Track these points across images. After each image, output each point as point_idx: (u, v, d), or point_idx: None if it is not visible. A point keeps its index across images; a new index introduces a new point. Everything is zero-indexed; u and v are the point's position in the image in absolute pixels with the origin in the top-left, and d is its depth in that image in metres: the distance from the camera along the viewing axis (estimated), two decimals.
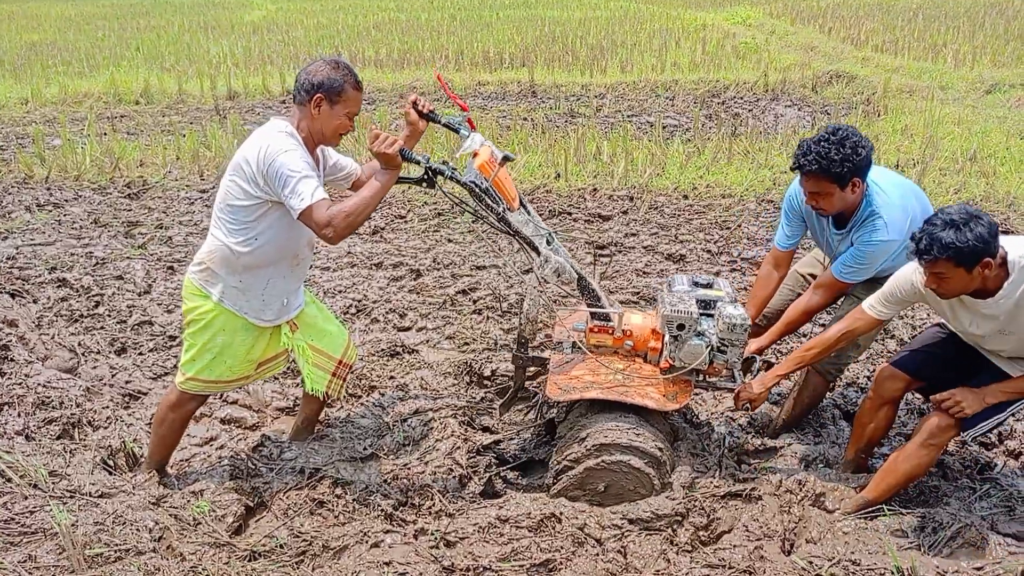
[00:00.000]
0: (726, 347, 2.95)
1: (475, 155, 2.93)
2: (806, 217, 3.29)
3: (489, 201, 2.93)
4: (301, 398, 3.44)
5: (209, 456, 3.34)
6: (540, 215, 6.40)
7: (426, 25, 19.34)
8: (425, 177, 2.94)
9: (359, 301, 4.81)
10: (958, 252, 2.41)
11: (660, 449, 2.92)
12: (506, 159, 2.97)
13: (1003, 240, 2.53)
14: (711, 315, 3.00)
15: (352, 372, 3.37)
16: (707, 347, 2.92)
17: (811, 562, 2.63)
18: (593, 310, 3.09)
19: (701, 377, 3.08)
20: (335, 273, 5.27)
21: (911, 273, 2.73)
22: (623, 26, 18.33)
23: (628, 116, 10.10)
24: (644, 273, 5.21)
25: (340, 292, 4.94)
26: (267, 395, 3.77)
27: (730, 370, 3.07)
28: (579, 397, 2.92)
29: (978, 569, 2.60)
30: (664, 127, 9.19)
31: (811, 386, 3.48)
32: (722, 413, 3.74)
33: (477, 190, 2.92)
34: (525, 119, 9.86)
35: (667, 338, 2.96)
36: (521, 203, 3.02)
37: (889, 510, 2.98)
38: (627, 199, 6.78)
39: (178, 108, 11.05)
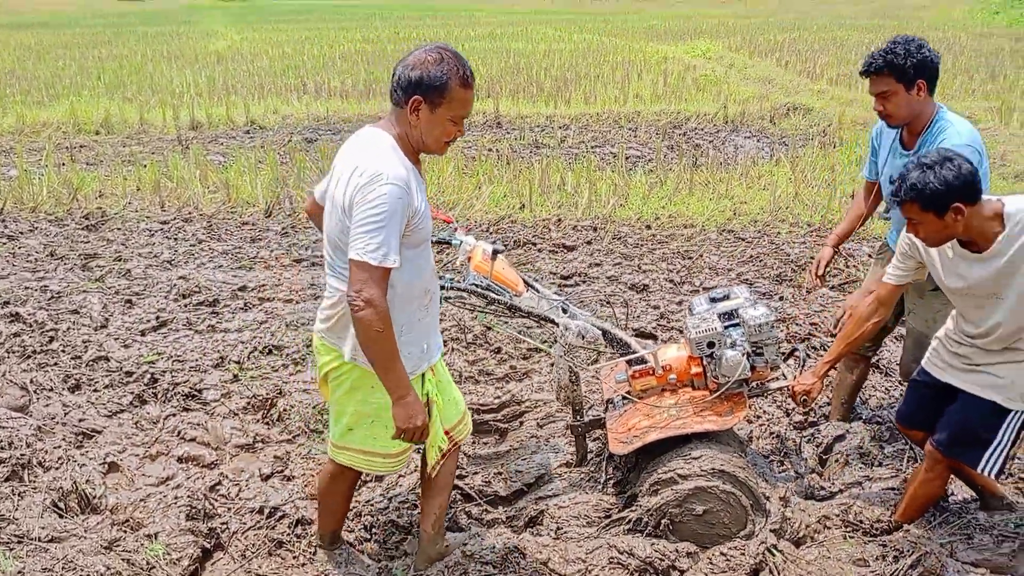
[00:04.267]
0: (761, 349, 2.99)
1: (469, 258, 3.10)
2: (879, 149, 3.38)
3: (494, 295, 3.06)
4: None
5: (165, 496, 3.25)
6: (505, 246, 6.42)
7: (392, 56, 19.45)
8: None
9: None
10: (919, 194, 2.38)
11: (767, 497, 2.95)
12: (496, 252, 3.08)
13: (1005, 197, 2.51)
14: (737, 324, 3.04)
15: (455, 448, 2.80)
16: (743, 355, 2.95)
17: None
18: (629, 357, 3.13)
19: (751, 386, 3.10)
20: (298, 306, 5.22)
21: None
22: (587, 58, 18.63)
23: (592, 147, 10.22)
24: (608, 303, 5.24)
25: (303, 325, 4.89)
26: (226, 432, 3.70)
27: (776, 368, 3.10)
28: (641, 444, 2.91)
29: None
30: (627, 158, 9.32)
31: (854, 372, 3.66)
32: None
33: (479, 290, 3.05)
34: (490, 150, 9.93)
35: (704, 360, 3.00)
36: (528, 284, 3.19)
37: (850, 537, 3.00)
38: (591, 229, 6.84)
39: (139, 138, 10.94)
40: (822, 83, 14.61)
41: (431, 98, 2.24)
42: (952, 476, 3.27)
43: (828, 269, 3.65)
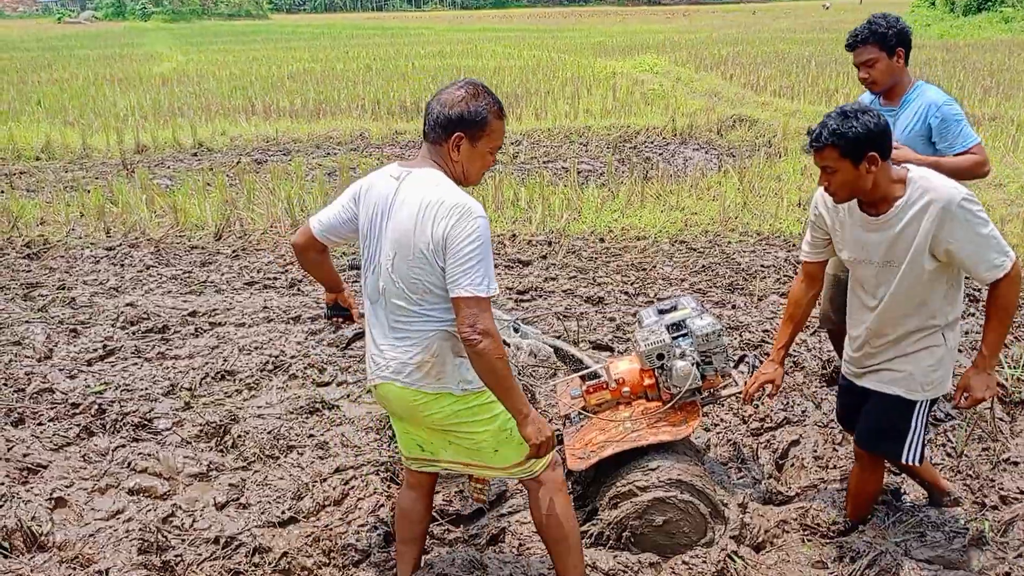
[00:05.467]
0: (710, 357, 3.04)
1: None
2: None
3: None
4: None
5: (115, 530, 3.15)
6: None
7: (342, 75, 19.38)
8: None
9: (276, 357, 4.68)
10: (842, 137, 2.43)
11: (725, 504, 2.98)
12: None
13: (912, 166, 2.59)
14: (685, 334, 3.08)
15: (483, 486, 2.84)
16: (693, 364, 2.98)
17: None
18: (582, 372, 3.14)
19: (703, 394, 3.13)
20: (251, 329, 5.12)
21: (817, 195, 2.79)
22: (536, 75, 18.80)
23: (544, 162, 10.30)
24: (564, 317, 5.26)
25: (256, 349, 4.80)
26: (178, 461, 3.60)
27: (726, 375, 3.15)
28: (598, 459, 2.92)
29: None
30: (579, 172, 9.41)
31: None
32: None
33: None
34: None
35: (656, 372, 3.04)
36: None
37: (808, 541, 3.05)
38: (545, 244, 6.88)
39: (82, 163, 10.67)
40: (766, 95, 14.95)
41: (472, 133, 2.31)
42: (904, 476, 3.36)
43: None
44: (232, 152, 11.33)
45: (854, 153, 2.45)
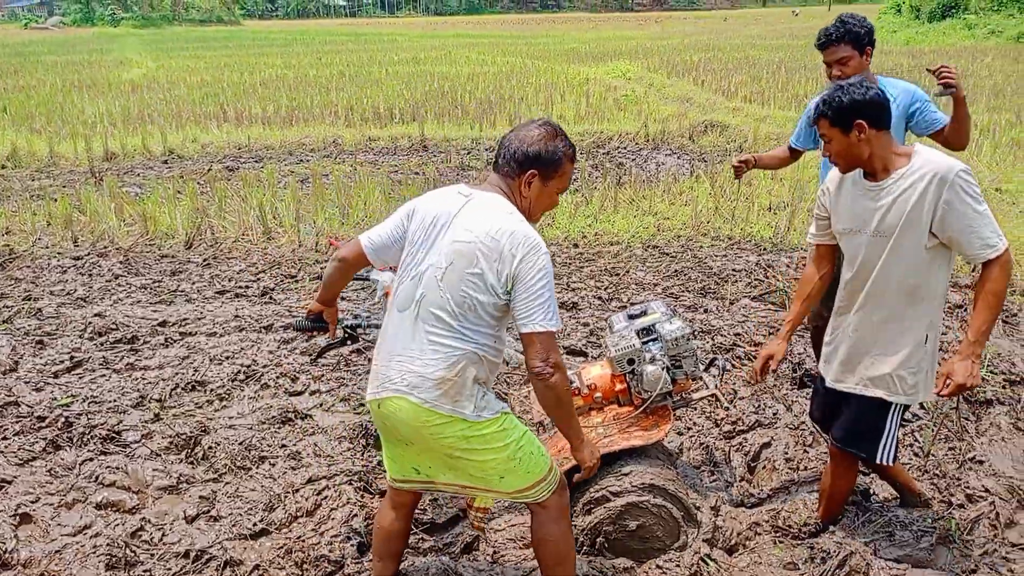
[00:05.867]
0: (680, 361, 3.06)
1: (387, 293, 3.10)
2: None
3: None
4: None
5: (83, 546, 3.09)
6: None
7: (314, 82, 19.28)
8: (347, 336, 3.08)
9: (248, 367, 4.63)
10: (829, 107, 2.60)
11: (698, 508, 2.99)
12: None
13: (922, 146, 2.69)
14: (655, 339, 3.10)
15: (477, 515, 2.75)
16: (663, 369, 3.00)
17: None
18: None
19: (675, 398, 3.14)
20: (222, 339, 5.07)
21: (828, 176, 2.92)
22: (510, 81, 18.85)
23: None
24: None
25: (228, 358, 4.75)
26: (147, 474, 3.55)
27: (696, 379, 3.17)
28: (571, 466, 2.89)
29: None
30: None
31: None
32: None
33: None
34: (416, 173, 9.91)
35: (627, 376, 3.05)
36: None
37: (780, 542, 3.08)
38: None
39: (49, 171, 10.50)
40: (736, 100, 15.12)
41: (546, 172, 2.36)
42: (873, 477, 3.40)
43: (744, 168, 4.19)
44: (203, 159, 11.22)
45: (842, 122, 2.60)
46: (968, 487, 3.37)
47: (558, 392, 2.31)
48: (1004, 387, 4.26)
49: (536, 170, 2.35)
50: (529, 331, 2.25)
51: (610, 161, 10.63)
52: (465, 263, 2.28)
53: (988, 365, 4.41)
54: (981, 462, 3.58)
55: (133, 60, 27.27)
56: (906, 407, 2.87)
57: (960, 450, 3.67)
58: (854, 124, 2.59)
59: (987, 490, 3.34)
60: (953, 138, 3.66)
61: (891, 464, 2.92)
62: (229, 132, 13.10)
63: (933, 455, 3.64)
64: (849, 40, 3.55)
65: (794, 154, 4.17)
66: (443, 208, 2.39)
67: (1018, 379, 4.31)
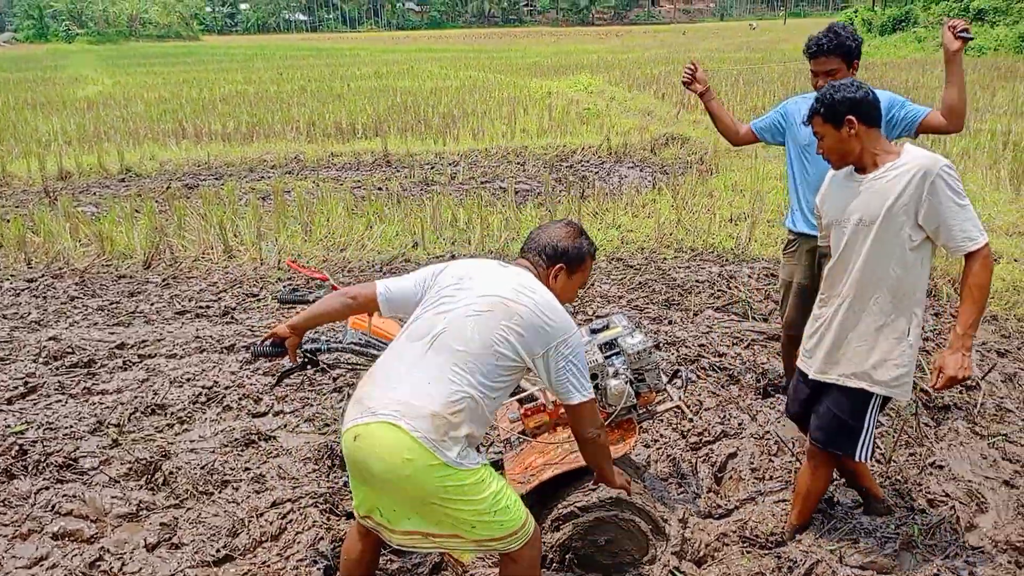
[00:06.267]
0: (643, 374, 3.07)
1: (352, 325, 3.14)
2: (792, 126, 3.93)
3: (375, 351, 3.07)
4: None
5: None
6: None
7: (275, 97, 19.14)
8: (306, 360, 3.05)
9: (209, 389, 4.55)
10: (822, 104, 2.74)
11: (666, 520, 2.99)
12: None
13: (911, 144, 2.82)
14: (617, 353, 3.11)
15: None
16: (627, 383, 3.01)
17: None
18: (520, 396, 3.13)
19: (639, 411, 3.15)
20: (182, 360, 4.97)
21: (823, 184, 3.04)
22: (473, 95, 18.90)
23: (482, 182, 10.33)
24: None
25: (189, 380, 4.66)
26: (106, 502, 3.46)
27: (660, 391, 3.18)
28: (538, 483, 2.90)
29: None
30: (517, 192, 9.46)
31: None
32: None
33: (359, 347, 3.07)
34: (380, 189, 9.87)
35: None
36: None
37: (747, 552, 3.10)
38: None
39: (1, 191, 10.25)
40: (696, 113, 15.33)
41: (571, 267, 2.56)
42: (838, 485, 3.44)
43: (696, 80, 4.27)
44: (161, 177, 11.05)
45: (834, 118, 2.73)
46: (929, 492, 3.43)
47: (603, 446, 2.58)
48: (961, 392, 4.35)
49: (564, 264, 2.54)
50: (576, 402, 2.42)
51: (574, 175, 10.70)
52: (504, 315, 2.35)
53: None
54: (941, 467, 3.65)
55: (88, 77, 26.82)
56: (884, 403, 2.91)
57: (920, 455, 3.74)
58: (845, 120, 2.71)
59: (947, 494, 3.41)
60: (948, 113, 3.58)
61: (867, 462, 2.94)
62: (188, 149, 12.93)
63: (895, 461, 3.70)
64: (840, 53, 3.57)
65: (747, 136, 4.21)
66: (482, 266, 2.53)
67: (974, 384, 4.41)
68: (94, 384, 4.64)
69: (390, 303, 2.57)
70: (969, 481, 3.52)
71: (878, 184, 2.74)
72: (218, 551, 3.10)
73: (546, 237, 2.57)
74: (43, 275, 6.77)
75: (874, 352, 2.81)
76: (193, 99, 19.01)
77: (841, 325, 2.87)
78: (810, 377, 3.01)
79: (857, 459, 2.91)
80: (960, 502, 3.35)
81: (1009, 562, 2.96)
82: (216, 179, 10.86)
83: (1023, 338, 5.10)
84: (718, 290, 6.13)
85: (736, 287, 6.14)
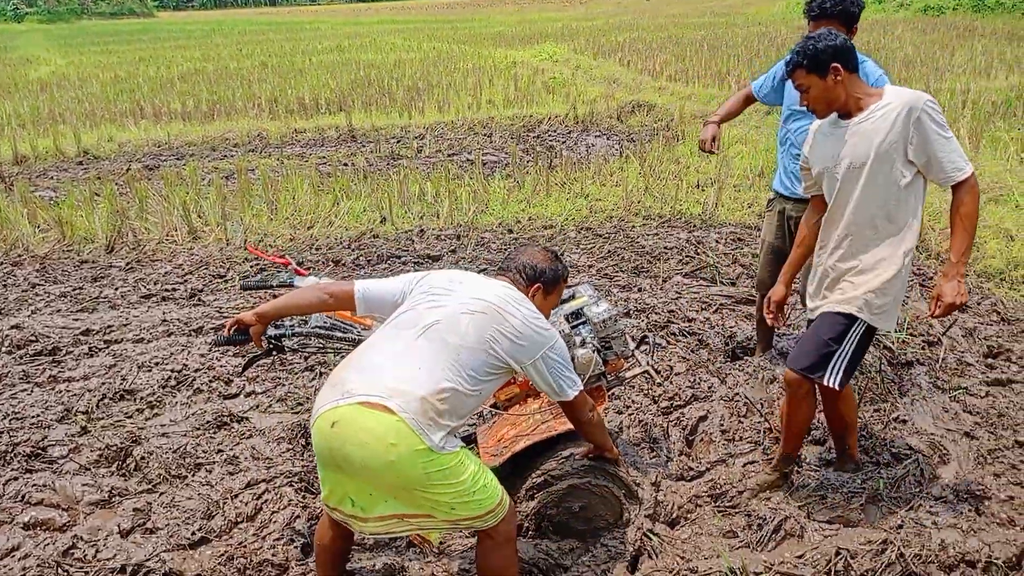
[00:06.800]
0: (609, 342, 3.11)
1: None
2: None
3: (340, 334, 3.05)
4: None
5: (11, 569, 2.97)
6: (368, 261, 6.33)
7: (236, 74, 18.74)
8: (271, 347, 3.01)
9: (179, 372, 4.50)
10: (805, 56, 2.77)
11: (638, 484, 3.05)
12: None
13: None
14: (584, 322, 3.13)
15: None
16: (594, 351, 3.05)
17: None
18: None
19: (608, 378, 3.19)
20: (150, 345, 4.91)
21: (808, 134, 3.09)
22: (437, 67, 18.67)
23: (449, 155, 10.25)
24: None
25: (157, 364, 4.60)
26: (77, 490, 3.42)
27: (627, 357, 3.22)
28: (511, 454, 2.93)
29: (799, 557, 2.82)
30: (484, 164, 9.41)
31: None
32: None
33: (324, 331, 3.04)
34: (345, 164, 9.75)
35: None
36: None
37: (719, 512, 3.16)
38: (454, 238, 6.86)
39: None
40: (662, 80, 15.32)
41: (548, 287, 2.70)
42: (806, 444, 3.51)
43: (719, 141, 4.30)
44: (121, 159, 10.81)
45: (818, 68, 2.77)
46: (893, 446, 3.52)
47: (601, 424, 2.79)
48: (923, 348, 4.46)
49: (541, 284, 2.67)
50: (569, 400, 2.57)
51: (541, 145, 10.65)
52: (497, 320, 2.43)
53: (907, 328, 4.61)
54: (904, 421, 3.74)
55: (40, 57, 26.01)
56: (867, 339, 2.94)
57: (885, 411, 3.82)
58: (830, 68, 2.76)
59: (911, 448, 3.50)
60: None
61: (837, 387, 2.93)
62: (147, 129, 12.65)
63: (860, 417, 3.78)
64: (842, 17, 3.55)
65: (750, 100, 4.23)
66: (470, 274, 2.66)
67: (936, 340, 4.51)
68: (60, 372, 4.57)
69: (367, 303, 2.61)
70: (932, 434, 3.62)
71: (864, 127, 2.81)
72: (193, 534, 3.09)
73: (525, 258, 2.70)
74: (2, 263, 6.61)
75: (866, 285, 2.88)
76: (150, 78, 18.56)
77: (837, 266, 2.95)
78: (810, 316, 3.08)
79: (826, 382, 2.92)
80: (923, 455, 3.45)
81: (970, 510, 3.06)
82: (177, 159, 10.64)
83: (982, 293, 5.22)
84: (686, 256, 6.17)
85: (704, 252, 6.19)
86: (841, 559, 2.75)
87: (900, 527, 2.92)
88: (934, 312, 2.85)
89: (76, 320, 5.34)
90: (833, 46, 2.76)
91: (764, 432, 3.65)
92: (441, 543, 3.03)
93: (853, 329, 2.91)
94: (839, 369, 2.92)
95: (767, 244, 4.17)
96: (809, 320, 3.16)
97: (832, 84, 2.79)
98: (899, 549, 2.76)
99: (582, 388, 2.60)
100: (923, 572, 2.72)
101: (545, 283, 2.69)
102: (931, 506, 3.10)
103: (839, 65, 2.76)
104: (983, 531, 2.93)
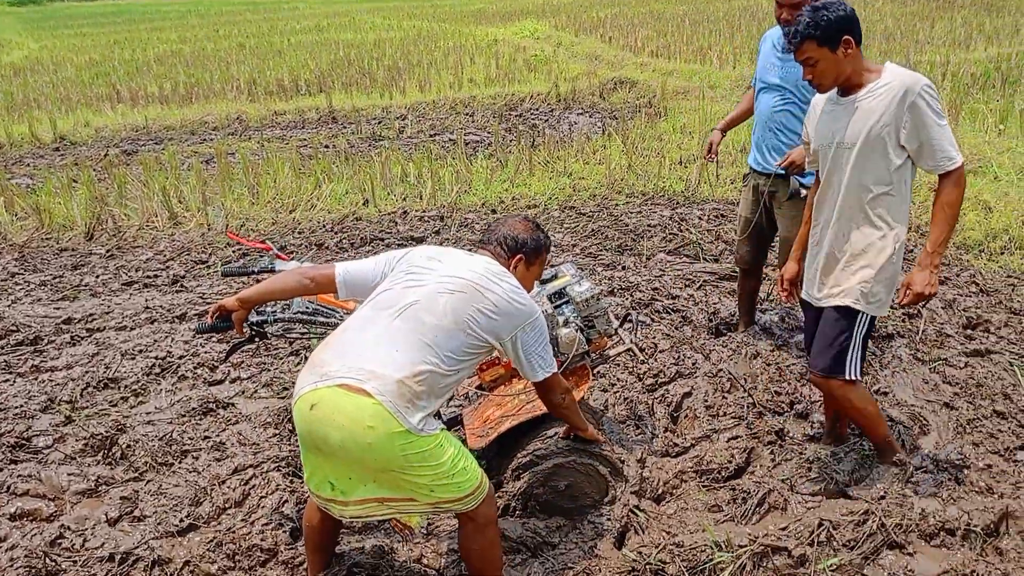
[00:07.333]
0: (592, 321, 3.12)
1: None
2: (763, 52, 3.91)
3: (323, 319, 3.04)
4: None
5: None
6: (351, 244, 6.30)
7: (213, 55, 18.50)
8: (253, 333, 2.98)
9: (163, 359, 4.48)
10: (817, 27, 2.66)
11: (623, 462, 3.07)
12: None
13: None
14: (567, 302, 3.14)
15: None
16: (577, 330, 3.06)
17: (640, 553, 2.77)
18: None
19: (592, 357, 3.20)
20: (133, 332, 4.88)
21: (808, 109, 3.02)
22: (418, 46, 18.50)
23: (431, 135, 10.19)
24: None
25: (141, 352, 4.58)
26: (63, 480, 3.41)
27: (611, 335, 3.23)
28: (496, 435, 2.93)
29: (783, 529, 2.86)
30: (467, 144, 9.36)
31: (748, 285, 4.38)
32: None
33: (306, 316, 3.02)
34: (327, 146, 9.68)
35: None
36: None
37: (704, 487, 3.20)
38: (437, 219, 6.83)
39: None
40: (644, 56, 15.26)
41: (530, 258, 2.67)
42: (788, 415, 3.55)
43: (717, 149, 4.39)
44: (98, 144, 10.66)
45: (831, 40, 2.67)
46: None
47: (574, 407, 2.77)
48: (903, 320, 4.51)
49: (523, 255, 2.65)
50: (542, 379, 2.56)
51: (523, 123, 10.61)
52: (476, 298, 2.41)
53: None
54: (886, 393, 3.79)
55: (12, 41, 25.53)
56: (871, 322, 2.96)
57: (866, 384, 3.87)
58: (842, 41, 2.67)
59: (892, 419, 3.55)
60: None
61: (856, 377, 2.95)
62: (124, 114, 12.48)
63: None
64: None
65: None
66: (451, 250, 2.61)
67: (916, 312, 4.56)
68: (42, 361, 4.53)
69: (348, 286, 2.58)
70: (912, 405, 3.67)
71: (861, 105, 2.75)
72: (181, 521, 3.09)
73: (506, 229, 2.67)
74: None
75: (859, 271, 2.87)
76: (126, 61, 18.28)
77: (829, 246, 2.94)
78: (810, 304, 3.07)
79: (846, 377, 2.94)
80: (904, 426, 3.50)
81: (949, 479, 3.11)
82: (156, 144, 10.52)
83: (961, 265, 5.27)
84: (670, 233, 6.19)
85: (687, 230, 6.21)
86: (824, 530, 2.80)
87: (882, 497, 2.96)
88: (902, 300, 2.82)
89: (57, 309, 5.29)
90: (844, 16, 2.67)
91: (748, 407, 3.69)
92: (428, 524, 3.05)
93: (857, 322, 2.91)
94: (855, 361, 2.94)
95: (744, 219, 4.19)
96: (803, 300, 3.16)
97: (842, 57, 2.70)
98: (880, 519, 2.81)
99: (556, 371, 2.58)
100: (904, 541, 2.78)
101: (527, 253, 2.66)
102: (911, 475, 3.15)
103: (850, 38, 2.68)
104: (962, 499, 2.98)
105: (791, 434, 3.51)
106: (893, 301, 3.00)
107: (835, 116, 2.85)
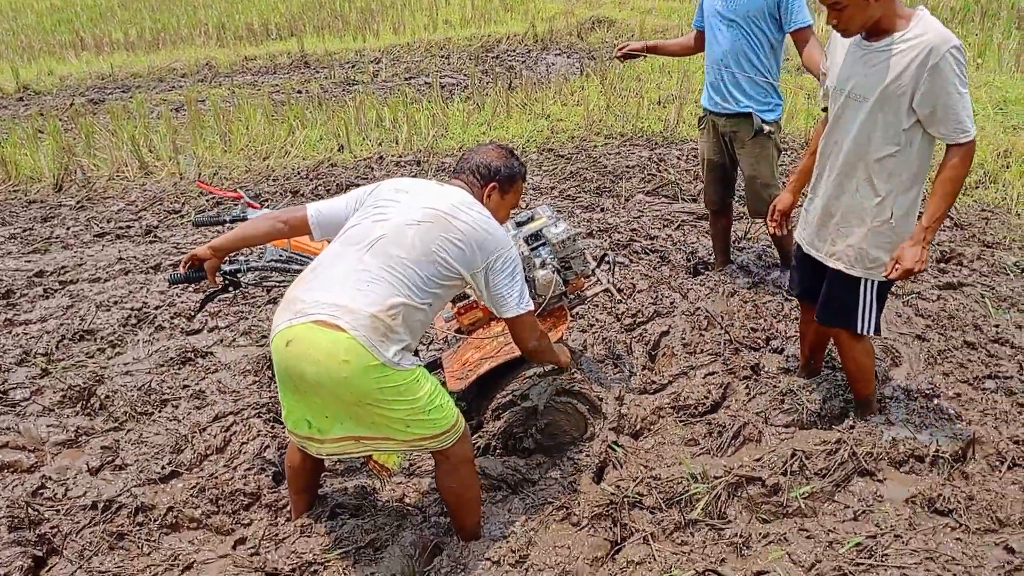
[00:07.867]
0: (569, 262, 3.12)
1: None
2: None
3: (297, 266, 3.02)
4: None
5: None
6: (327, 190, 6.22)
7: None
8: (226, 283, 2.94)
9: (139, 310, 4.44)
10: None
11: (602, 400, 3.11)
12: None
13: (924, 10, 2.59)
14: (544, 244, 3.13)
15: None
16: (554, 271, 3.06)
17: (618, 486, 2.82)
18: None
19: (570, 298, 3.21)
20: (107, 284, 4.82)
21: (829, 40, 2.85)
22: None
23: (406, 79, 10.00)
24: None
25: (116, 303, 4.53)
26: (42, 431, 3.40)
27: (588, 276, 3.24)
28: (476, 376, 2.95)
29: (757, 460, 2.92)
30: (443, 87, 9.20)
31: (720, 223, 4.43)
32: None
33: (280, 264, 3.01)
34: (299, 92, 9.48)
35: None
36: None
37: (681, 422, 3.26)
38: (414, 164, 6.75)
39: None
40: None
41: (504, 186, 2.61)
42: (763, 351, 3.59)
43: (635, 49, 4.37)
44: (63, 93, 10.37)
45: None
46: None
47: (549, 350, 2.74)
48: None
49: (496, 183, 2.59)
50: (511, 316, 2.50)
51: (500, 65, 10.42)
52: (444, 229, 2.38)
53: None
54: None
55: None
56: (883, 284, 2.84)
57: None
58: None
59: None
60: (808, 64, 3.69)
61: (873, 334, 2.90)
62: (89, 61, 12.12)
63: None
64: None
65: (700, 38, 4.13)
66: (420, 182, 2.55)
67: None
68: (15, 315, 4.48)
69: (321, 227, 2.56)
70: (884, 338, 3.72)
71: (882, 56, 2.56)
72: (163, 468, 3.10)
73: (479, 157, 2.61)
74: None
75: (857, 231, 2.77)
76: (88, 6, 17.67)
77: (829, 197, 2.83)
78: (803, 249, 3.01)
79: (860, 332, 2.89)
80: (877, 358, 3.55)
81: (920, 408, 3.18)
82: (123, 92, 10.25)
83: None
84: (648, 174, 6.16)
85: (666, 170, 6.18)
86: (796, 460, 2.86)
87: (852, 427, 3.03)
88: (889, 275, 2.67)
89: (28, 262, 5.21)
90: None
91: (724, 344, 3.73)
92: (410, 464, 3.08)
93: (863, 287, 2.84)
94: (869, 318, 2.87)
95: (707, 161, 4.19)
96: (798, 245, 3.09)
97: (875, 2, 2.48)
98: (851, 448, 2.88)
99: (530, 309, 2.53)
100: (875, 468, 2.85)
101: (500, 181, 2.60)
102: (883, 405, 3.22)
103: None
104: (932, 427, 3.06)
105: (766, 369, 3.56)
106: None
107: (853, 60, 2.66)
